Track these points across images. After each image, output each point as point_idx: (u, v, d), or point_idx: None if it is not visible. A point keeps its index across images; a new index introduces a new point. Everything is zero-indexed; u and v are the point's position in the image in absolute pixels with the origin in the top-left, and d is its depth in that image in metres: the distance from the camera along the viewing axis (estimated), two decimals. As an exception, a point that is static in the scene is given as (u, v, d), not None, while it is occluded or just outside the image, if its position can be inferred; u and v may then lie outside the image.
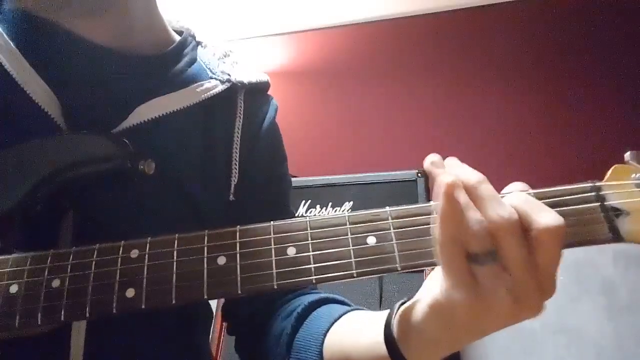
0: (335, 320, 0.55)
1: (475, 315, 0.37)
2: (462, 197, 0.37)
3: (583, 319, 1.57)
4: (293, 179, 1.83)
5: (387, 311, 0.47)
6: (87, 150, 0.51)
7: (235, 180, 0.63)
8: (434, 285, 0.40)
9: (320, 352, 0.53)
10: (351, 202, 1.51)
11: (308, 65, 2.59)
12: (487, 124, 2.23)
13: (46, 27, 0.55)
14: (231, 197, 0.62)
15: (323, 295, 0.62)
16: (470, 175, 0.38)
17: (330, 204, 1.54)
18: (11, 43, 0.53)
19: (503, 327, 0.37)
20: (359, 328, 0.51)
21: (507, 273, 0.36)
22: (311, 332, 0.56)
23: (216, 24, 2.57)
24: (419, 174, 1.49)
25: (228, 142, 0.63)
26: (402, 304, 0.45)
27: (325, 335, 0.54)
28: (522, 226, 0.36)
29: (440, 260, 0.38)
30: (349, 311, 0.56)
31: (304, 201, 1.56)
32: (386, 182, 1.50)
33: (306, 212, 1.55)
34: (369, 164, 2.31)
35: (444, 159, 0.42)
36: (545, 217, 0.35)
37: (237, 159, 0.63)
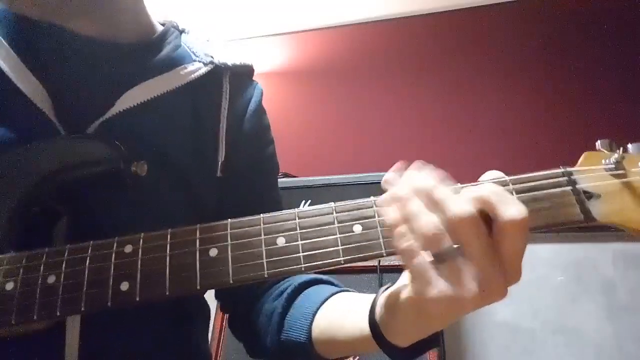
0: (324, 301, 0.57)
1: (447, 306, 0.39)
2: (415, 204, 0.39)
3: (583, 319, 1.57)
4: (293, 179, 1.82)
5: (373, 295, 0.49)
6: (80, 154, 0.52)
7: (223, 158, 0.64)
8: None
9: (309, 331, 0.55)
10: (351, 202, 1.50)
11: (308, 65, 2.59)
12: (486, 123, 2.23)
13: (36, 23, 0.57)
14: (219, 174, 0.64)
15: (313, 276, 0.64)
16: (426, 180, 0.40)
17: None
18: (3, 40, 0.54)
19: (473, 310, 0.40)
20: (346, 309, 0.54)
21: (472, 264, 0.38)
22: (301, 311, 0.58)
23: (216, 24, 2.57)
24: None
25: (215, 121, 0.65)
26: (386, 288, 0.48)
27: (314, 315, 0.56)
28: (487, 217, 0.38)
29: (404, 265, 0.40)
30: (337, 292, 0.59)
31: (303, 201, 1.56)
32: (386, 182, 1.49)
33: (306, 212, 1.54)
34: (369, 164, 2.31)
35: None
36: (510, 210, 0.37)
37: (224, 137, 0.64)
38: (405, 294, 0.42)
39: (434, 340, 0.45)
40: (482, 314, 1.70)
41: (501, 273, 0.38)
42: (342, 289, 0.60)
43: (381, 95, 2.43)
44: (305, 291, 0.62)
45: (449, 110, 2.30)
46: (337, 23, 2.56)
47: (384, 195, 0.42)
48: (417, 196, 0.40)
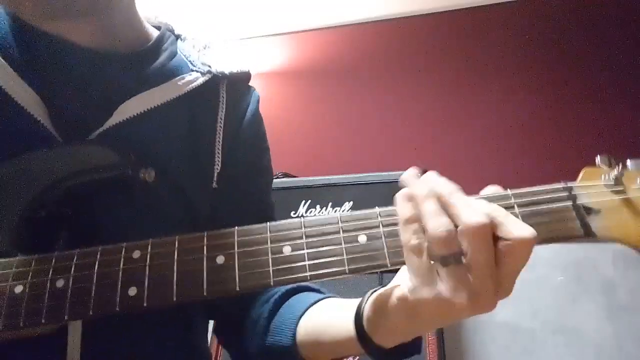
0: (310, 306, 0.58)
1: (438, 310, 0.40)
2: (431, 205, 0.40)
3: (583, 319, 1.57)
4: (293, 179, 1.82)
5: (360, 299, 0.49)
6: (90, 159, 0.52)
7: (218, 169, 0.64)
8: (404, 279, 0.43)
9: (294, 335, 0.56)
10: (351, 202, 1.51)
11: (308, 65, 2.59)
12: (486, 124, 2.23)
13: (29, 32, 0.56)
14: (214, 185, 0.63)
15: (301, 283, 0.64)
16: (444, 185, 0.42)
17: (330, 204, 1.54)
18: None
19: (460, 319, 0.41)
20: (332, 313, 0.54)
21: (470, 274, 0.39)
22: (287, 316, 0.59)
23: (216, 24, 2.57)
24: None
25: (211, 132, 0.64)
26: (374, 291, 0.48)
27: (299, 319, 0.56)
28: (492, 233, 0.39)
29: (406, 263, 0.41)
30: (323, 298, 0.59)
31: (303, 201, 1.56)
32: (386, 182, 1.49)
33: (306, 212, 1.54)
34: (369, 164, 2.31)
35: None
36: (521, 229, 0.38)
37: (220, 149, 0.64)
38: (397, 293, 0.43)
39: (417, 347, 0.47)
40: (482, 314, 1.70)
41: (496, 288, 0.39)
42: (328, 295, 0.61)
43: (381, 95, 2.43)
44: (293, 297, 0.62)
45: (449, 110, 2.31)
46: (337, 23, 2.56)
47: (401, 191, 0.43)
48: (434, 197, 0.41)
